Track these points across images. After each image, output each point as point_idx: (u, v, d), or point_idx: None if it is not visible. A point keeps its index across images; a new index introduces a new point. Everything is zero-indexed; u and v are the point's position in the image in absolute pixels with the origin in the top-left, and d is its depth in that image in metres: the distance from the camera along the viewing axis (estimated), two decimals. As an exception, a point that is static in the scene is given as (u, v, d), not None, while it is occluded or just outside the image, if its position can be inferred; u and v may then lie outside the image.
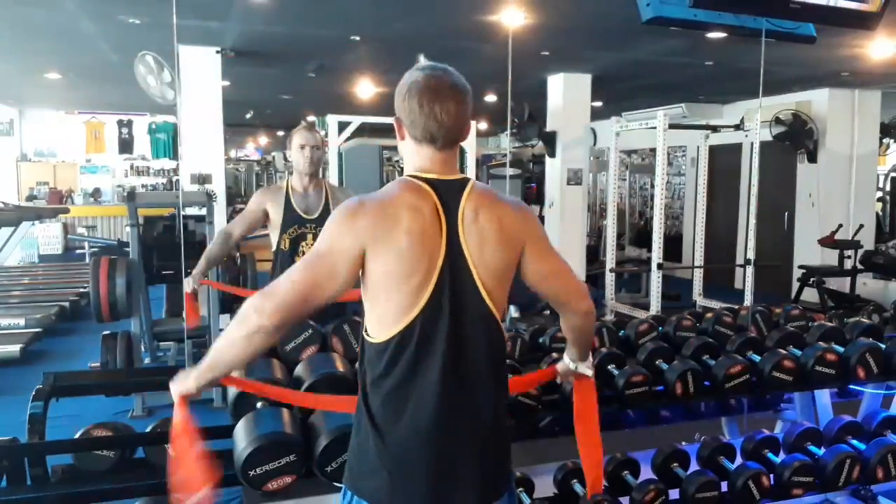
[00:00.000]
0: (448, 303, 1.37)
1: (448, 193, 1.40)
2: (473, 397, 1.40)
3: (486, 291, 1.40)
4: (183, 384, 1.45)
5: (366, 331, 1.43)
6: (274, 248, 3.09)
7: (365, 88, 7.92)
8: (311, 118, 10.81)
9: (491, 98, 8.88)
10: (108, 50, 6.08)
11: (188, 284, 3.10)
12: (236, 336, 1.36)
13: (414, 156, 1.45)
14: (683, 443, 2.51)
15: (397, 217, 1.36)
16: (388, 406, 1.38)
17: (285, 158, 7.87)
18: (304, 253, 3.03)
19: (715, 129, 7.07)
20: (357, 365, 1.49)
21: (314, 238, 3.02)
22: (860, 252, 6.92)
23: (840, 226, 7.12)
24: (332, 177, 6.61)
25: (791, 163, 8.23)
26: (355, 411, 1.46)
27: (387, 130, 6.14)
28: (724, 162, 8.76)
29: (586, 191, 7.77)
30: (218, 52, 5.82)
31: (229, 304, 4.76)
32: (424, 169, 1.42)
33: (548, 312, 6.17)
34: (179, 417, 1.50)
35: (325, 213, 3.06)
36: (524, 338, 2.61)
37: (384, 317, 1.38)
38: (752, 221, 6.13)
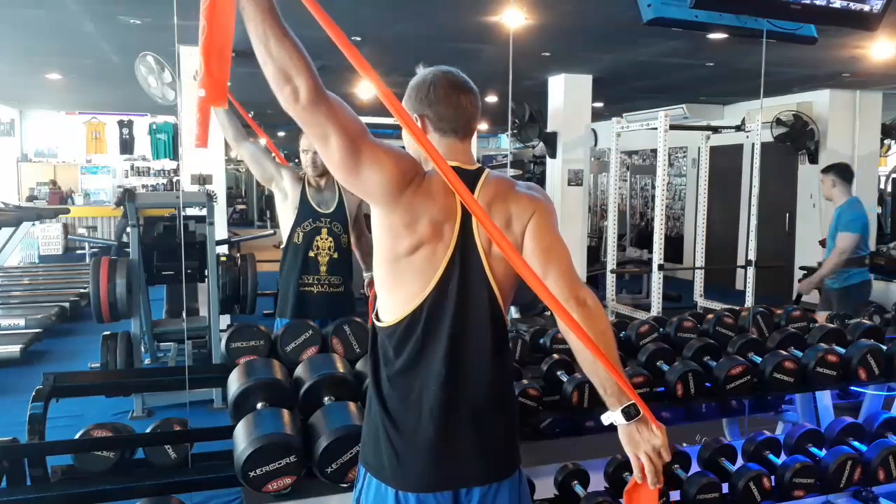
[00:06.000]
0: (455, 289, 1.42)
1: (466, 183, 1.41)
2: (475, 379, 1.45)
3: (496, 281, 1.44)
4: None
5: (377, 316, 1.49)
6: (285, 241, 3.08)
7: (366, 89, 7.92)
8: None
9: (492, 99, 8.88)
10: (109, 50, 6.08)
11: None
12: (274, 37, 1.24)
13: (437, 147, 1.46)
14: (684, 444, 2.50)
15: (427, 206, 1.40)
16: (397, 387, 1.45)
17: (289, 158, 7.86)
18: (318, 247, 3.03)
19: (716, 129, 7.07)
20: (368, 353, 1.53)
21: (328, 233, 3.03)
22: (861, 253, 6.91)
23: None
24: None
25: (792, 164, 8.23)
26: (367, 395, 1.53)
27: (389, 134, 6.14)
28: (725, 163, 8.76)
29: (587, 191, 7.77)
30: (219, 52, 5.82)
31: (229, 305, 4.76)
32: (449, 158, 1.44)
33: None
34: None
35: (340, 207, 3.06)
36: (525, 339, 2.61)
37: (396, 300, 1.44)
38: (754, 222, 6.13)
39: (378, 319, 1.48)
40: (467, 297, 1.43)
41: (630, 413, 1.40)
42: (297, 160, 3.20)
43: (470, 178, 1.46)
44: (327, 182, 3.05)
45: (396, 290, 1.44)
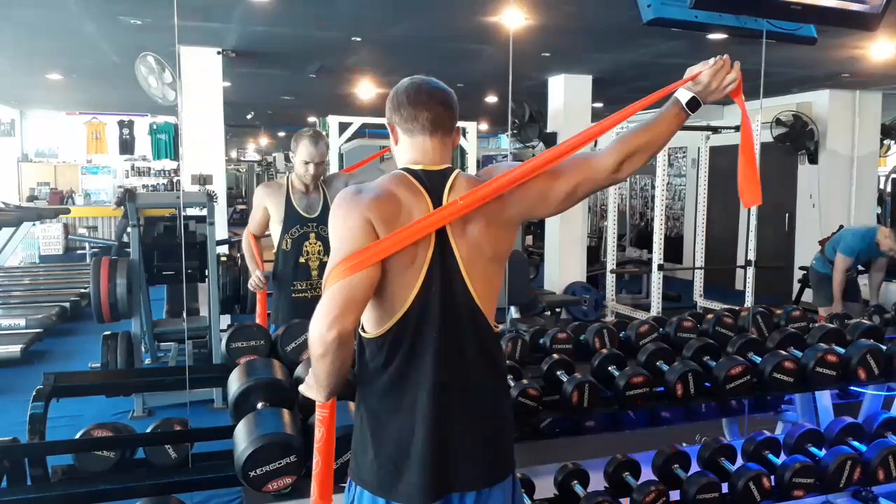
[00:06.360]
0: (438, 295, 1.42)
1: (435, 185, 1.44)
2: (467, 384, 1.46)
3: (472, 285, 1.44)
4: (315, 393, 1.48)
5: (362, 328, 1.47)
6: (275, 250, 3.09)
7: (366, 89, 7.92)
8: (312, 120, 10.81)
9: (492, 99, 8.88)
10: (110, 51, 6.09)
11: (256, 287, 3.05)
12: (318, 355, 1.37)
13: (407, 151, 1.49)
14: (684, 444, 2.51)
15: (396, 215, 1.40)
16: (387, 397, 1.44)
17: (287, 159, 7.84)
18: (308, 252, 3.04)
19: (716, 130, 7.08)
20: (356, 364, 1.52)
21: (317, 238, 3.04)
22: (861, 253, 6.91)
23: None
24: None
25: (792, 164, 8.23)
26: (355, 407, 1.53)
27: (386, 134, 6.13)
28: (725, 163, 8.73)
29: (587, 192, 7.75)
30: (219, 52, 5.82)
31: (230, 305, 4.76)
32: (415, 160, 1.47)
33: (548, 313, 6.17)
34: (326, 419, 1.53)
35: (326, 210, 3.06)
36: (524, 339, 2.61)
37: (380, 312, 1.44)
38: (753, 222, 6.14)
39: (363, 331, 1.47)
40: (450, 306, 1.43)
41: (692, 106, 1.63)
42: (288, 163, 3.22)
43: (437, 178, 1.46)
44: (313, 187, 3.08)
45: (380, 301, 1.43)
